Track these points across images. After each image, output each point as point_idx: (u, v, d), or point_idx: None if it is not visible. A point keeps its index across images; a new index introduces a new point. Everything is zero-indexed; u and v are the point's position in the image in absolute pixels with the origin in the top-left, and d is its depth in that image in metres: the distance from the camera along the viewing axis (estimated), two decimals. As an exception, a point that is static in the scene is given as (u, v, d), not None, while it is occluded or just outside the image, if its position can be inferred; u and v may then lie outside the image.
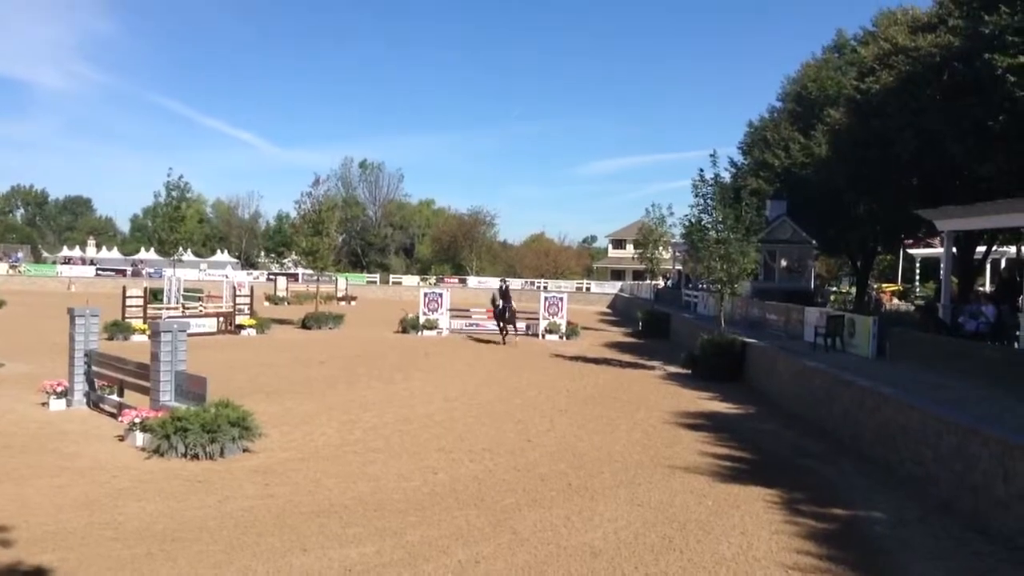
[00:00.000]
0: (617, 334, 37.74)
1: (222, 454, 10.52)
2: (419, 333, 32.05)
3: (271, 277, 68.10)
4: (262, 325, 30.79)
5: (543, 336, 32.08)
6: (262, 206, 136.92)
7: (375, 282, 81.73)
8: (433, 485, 9.75)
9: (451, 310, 34.08)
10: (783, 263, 36.68)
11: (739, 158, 44.68)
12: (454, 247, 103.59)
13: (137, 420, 11.18)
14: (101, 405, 13.88)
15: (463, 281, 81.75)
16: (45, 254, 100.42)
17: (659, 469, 10.84)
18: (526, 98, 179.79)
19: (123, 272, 74.66)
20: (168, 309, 29.63)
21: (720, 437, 13.28)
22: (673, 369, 22.51)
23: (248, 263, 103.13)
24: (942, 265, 24.53)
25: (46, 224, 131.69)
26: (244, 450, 10.88)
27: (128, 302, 27.92)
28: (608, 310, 62.94)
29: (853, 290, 41.84)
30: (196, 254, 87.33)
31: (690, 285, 41.60)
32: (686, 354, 22.40)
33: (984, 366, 14.41)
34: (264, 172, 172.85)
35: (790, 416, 15.64)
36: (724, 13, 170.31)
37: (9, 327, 28.15)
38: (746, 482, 10.20)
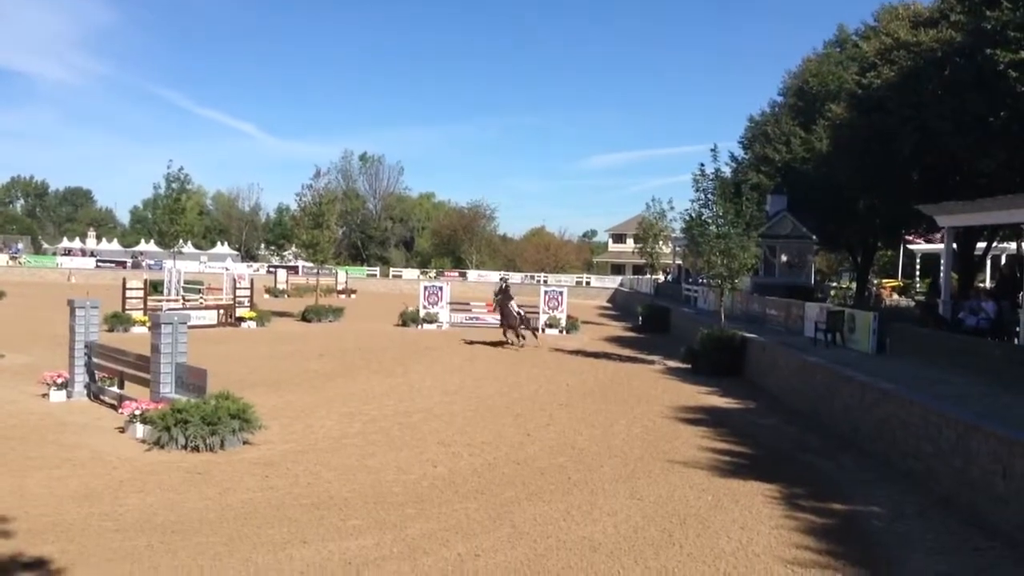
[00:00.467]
0: (617, 328, 37.75)
1: (222, 446, 10.53)
2: (419, 327, 32.06)
3: (271, 270, 68.19)
4: (262, 318, 30.82)
5: (543, 330, 32.07)
6: (262, 198, 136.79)
7: (375, 275, 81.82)
8: (433, 478, 9.77)
9: (451, 304, 34.08)
10: (783, 258, 36.65)
11: (740, 153, 44.63)
12: (454, 241, 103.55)
13: (137, 412, 11.19)
14: (101, 397, 13.89)
15: (463, 275, 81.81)
16: (45, 245, 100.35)
17: (659, 464, 10.85)
18: (527, 91, 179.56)
19: (123, 264, 74.66)
20: (168, 301, 29.62)
21: (720, 432, 13.29)
22: (673, 364, 22.52)
23: (248, 255, 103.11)
24: (942, 261, 24.51)
25: (46, 215, 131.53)
26: (244, 442, 10.90)
27: (128, 294, 27.96)
28: (608, 304, 62.94)
29: (853, 286, 41.85)
30: (196, 246, 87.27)
31: (690, 280, 41.58)
32: (686, 349, 22.39)
33: (984, 362, 14.42)
34: (264, 164, 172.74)
35: (790, 411, 15.65)
36: (725, 6, 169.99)
37: (9, 318, 28.16)
38: (746, 477, 10.21)
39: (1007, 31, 18.04)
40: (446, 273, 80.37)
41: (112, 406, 13.12)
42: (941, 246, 24.69)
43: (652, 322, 35.96)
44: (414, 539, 7.48)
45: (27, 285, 55.18)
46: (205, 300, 32.47)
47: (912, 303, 31.58)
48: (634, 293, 57.41)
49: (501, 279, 30.65)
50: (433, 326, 32.17)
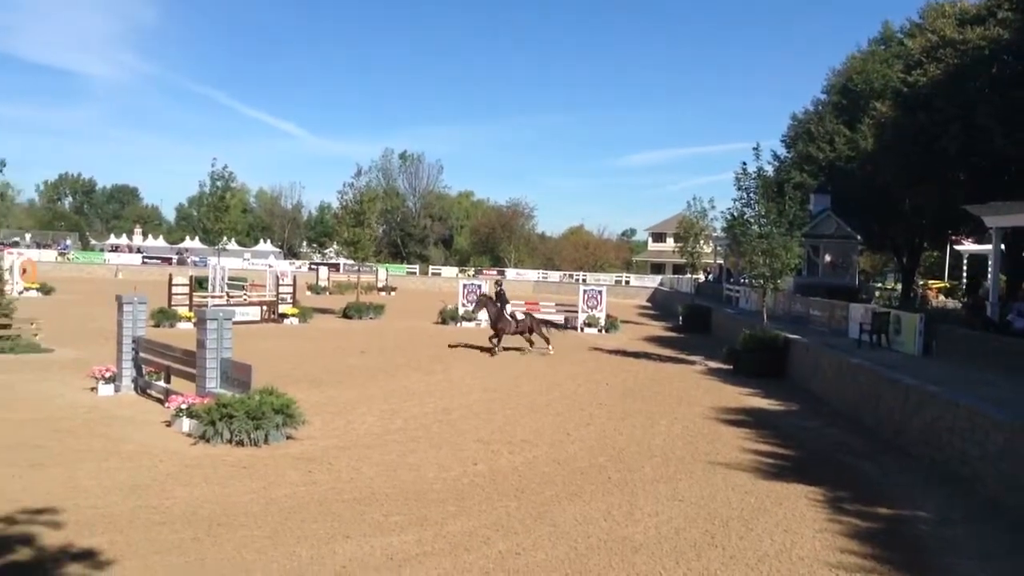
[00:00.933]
0: (657, 328, 37.56)
1: (266, 441, 10.68)
2: (458, 324, 32.17)
3: (313, 267, 68.82)
4: (304, 314, 31.15)
5: (582, 329, 32.03)
6: (304, 196, 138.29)
7: (414, 273, 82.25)
8: (473, 476, 9.81)
9: (490, 302, 34.10)
10: (827, 258, 36.25)
11: (782, 151, 44.18)
12: (492, 239, 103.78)
13: (183, 406, 11.38)
14: (148, 391, 14.14)
15: (502, 273, 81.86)
16: (93, 242, 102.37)
17: (700, 465, 10.79)
18: (566, 88, 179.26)
19: (169, 260, 75.93)
20: (213, 297, 30.08)
21: (762, 433, 13.18)
22: (714, 364, 22.36)
23: (291, 253, 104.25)
24: (990, 262, 24.04)
25: (94, 212, 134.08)
26: (287, 437, 11.04)
27: (174, 290, 28.38)
28: (647, 304, 62.63)
29: (898, 286, 41.23)
30: (240, 243, 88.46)
31: (732, 280, 41.26)
32: (727, 349, 22.23)
33: (1034, 365, 14.12)
34: (306, 162, 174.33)
35: (834, 413, 15.47)
36: (769, 2, 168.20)
37: (58, 313, 28.75)
38: (789, 479, 10.12)
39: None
40: (484, 271, 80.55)
41: (159, 400, 13.36)
42: (989, 247, 24.20)
43: (693, 322, 35.74)
44: (455, 536, 7.53)
45: (76, 281, 56.29)
46: (249, 297, 32.89)
47: (959, 305, 31.01)
48: (674, 293, 57.06)
49: (496, 282, 28.67)
50: (472, 324, 32.24)
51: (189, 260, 73.66)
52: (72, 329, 24.07)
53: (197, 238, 68.24)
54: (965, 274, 44.99)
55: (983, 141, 20.68)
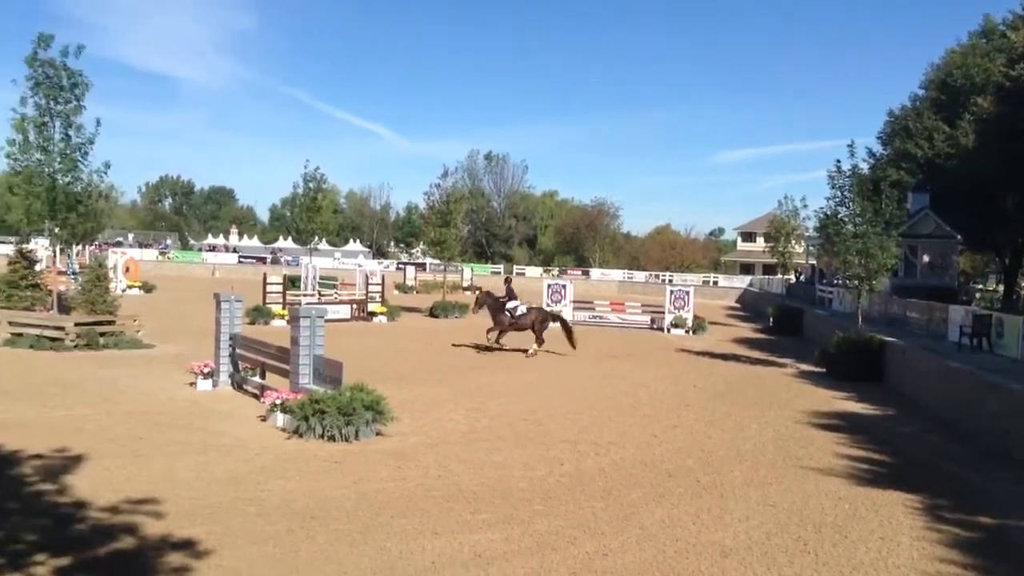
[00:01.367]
0: (746, 330, 36.89)
1: (357, 436, 10.88)
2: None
3: (400, 266, 69.86)
4: (392, 313, 31.67)
5: (668, 330, 31.67)
6: (392, 197, 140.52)
7: (499, 272, 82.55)
8: (559, 476, 9.80)
9: (574, 302, 34.06)
10: (925, 258, 35.06)
11: (878, 148, 42.88)
12: (577, 238, 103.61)
13: (278, 401, 11.67)
14: (244, 386, 14.57)
15: (586, 273, 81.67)
16: (191, 241, 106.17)
17: (792, 470, 10.55)
18: (651, 87, 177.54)
19: (263, 259, 78.12)
20: (305, 296, 30.84)
21: (857, 439, 12.80)
22: (806, 367, 21.84)
23: (379, 252, 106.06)
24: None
25: (192, 213, 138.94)
26: (377, 433, 11.23)
27: (268, 288, 29.20)
28: (736, 305, 61.54)
29: (1000, 288, 39.55)
30: (330, 243, 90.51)
31: (824, 280, 40.22)
32: (820, 352, 21.68)
33: None
34: (394, 164, 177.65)
35: (932, 419, 14.93)
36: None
37: (159, 311, 29.90)
38: (885, 486, 9.81)
39: None
40: (569, 271, 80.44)
41: (254, 395, 13.75)
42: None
43: (783, 324, 34.97)
44: (542, 535, 7.54)
45: (175, 279, 58.45)
46: (339, 295, 33.61)
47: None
48: (764, 293, 55.93)
49: (505, 279, 27.85)
50: (556, 324, 32.19)
51: (282, 259, 75.71)
52: (172, 326, 24.99)
53: (290, 238, 70.07)
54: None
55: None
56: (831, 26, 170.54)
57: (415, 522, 7.74)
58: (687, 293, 33.12)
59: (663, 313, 32.69)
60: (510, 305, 22.92)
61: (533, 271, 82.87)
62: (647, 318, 33.78)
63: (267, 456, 10.04)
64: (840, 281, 28.15)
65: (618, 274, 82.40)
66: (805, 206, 43.62)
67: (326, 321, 13.06)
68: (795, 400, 16.44)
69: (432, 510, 8.14)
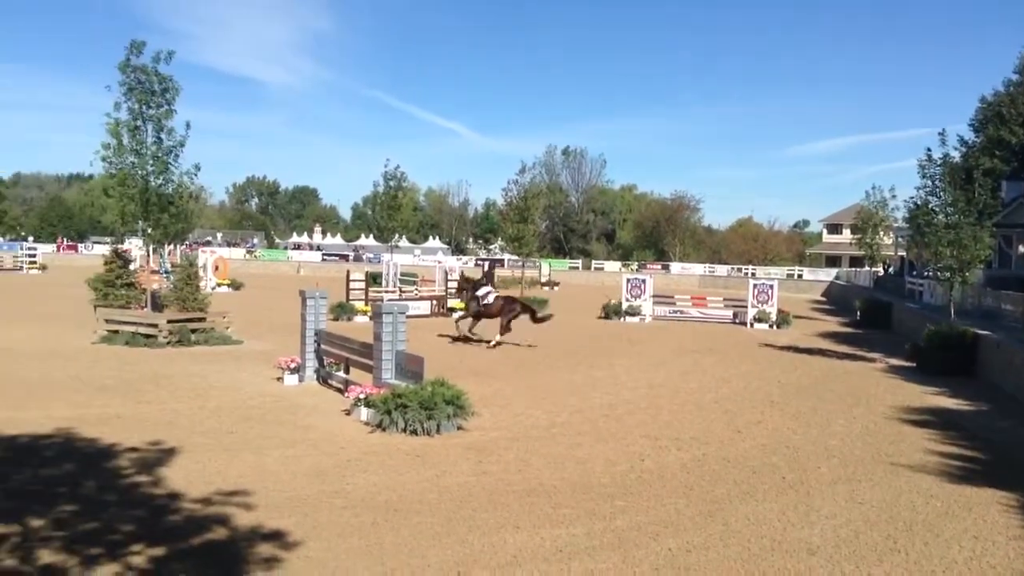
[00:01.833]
0: (832, 324, 35.97)
1: (438, 431, 11.00)
2: (622, 319, 31.99)
3: (479, 262, 70.36)
4: (471, 309, 31.84)
5: (752, 325, 31.10)
6: (470, 194, 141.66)
7: (577, 268, 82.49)
8: (640, 471, 9.73)
9: (654, 296, 33.74)
10: (1021, 249, 33.59)
11: (970, 136, 41.30)
12: (656, 232, 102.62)
13: (361, 396, 11.88)
14: (329, 381, 14.87)
15: (666, 267, 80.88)
16: (277, 240, 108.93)
17: (881, 466, 10.25)
18: (732, 78, 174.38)
19: (345, 257, 79.68)
20: (387, 292, 31.32)
21: (949, 435, 12.37)
22: (895, 362, 21.19)
23: (458, 249, 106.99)
24: None
25: (277, 212, 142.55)
26: (458, 428, 11.33)
27: (351, 285, 29.74)
28: (822, 298, 60.08)
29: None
30: (411, 240, 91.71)
31: (914, 272, 38.94)
32: (910, 346, 21.00)
33: None
34: (472, 161, 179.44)
35: (1031, 416, 14.32)
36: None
37: (247, 307, 30.74)
38: (979, 483, 9.45)
39: None
40: (648, 265, 79.74)
41: (339, 390, 14.01)
42: None
43: (871, 317, 33.98)
44: (624, 531, 7.49)
45: (262, 277, 60.05)
46: (419, 291, 34.02)
47: None
48: (851, 286, 54.43)
49: (487, 262, 26.81)
50: (636, 319, 31.98)
51: (364, 257, 77.10)
52: (260, 322, 25.68)
53: (371, 236, 71.34)
54: None
55: None
56: (918, 10, 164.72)
57: (496, 516, 7.79)
58: (771, 287, 32.42)
59: (746, 307, 32.10)
60: (480, 292, 22.50)
61: (612, 266, 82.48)
62: (729, 312, 33.24)
63: (351, 450, 10.23)
64: (931, 273, 27.21)
65: (699, 268, 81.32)
66: (894, 196, 42.43)
67: (407, 317, 13.24)
68: (884, 395, 15.96)
69: (513, 504, 8.18)
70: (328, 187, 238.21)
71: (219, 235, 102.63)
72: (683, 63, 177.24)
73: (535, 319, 23.12)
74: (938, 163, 20.75)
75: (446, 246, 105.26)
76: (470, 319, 22.52)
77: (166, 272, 33.00)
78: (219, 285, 42.07)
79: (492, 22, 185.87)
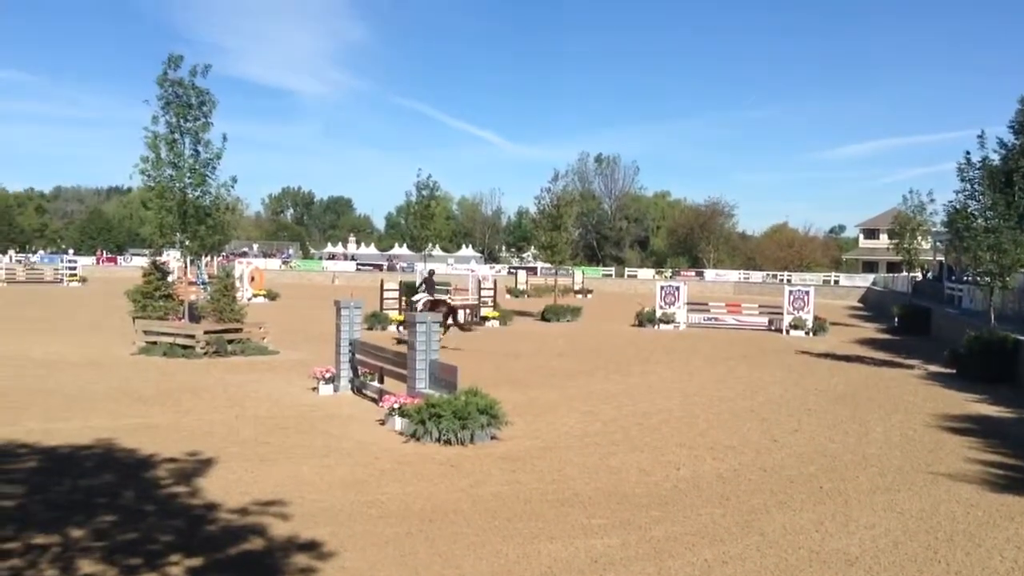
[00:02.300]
0: (869, 330, 35.52)
1: (472, 440, 11.01)
2: (656, 327, 31.84)
3: (512, 270, 70.46)
4: (505, 317, 31.92)
5: (787, 332, 30.79)
6: (503, 202, 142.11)
7: (610, 275, 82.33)
8: (675, 481, 9.66)
9: (688, 304, 33.56)
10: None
11: (1010, 138, 40.44)
12: (690, 239, 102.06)
13: (396, 406, 11.93)
14: (364, 390, 14.95)
15: (700, 274, 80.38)
16: (312, 250, 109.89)
17: (920, 475, 10.09)
18: (763, 83, 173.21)
19: (379, 267, 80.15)
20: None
21: (990, 443, 12.14)
22: (935, 368, 20.86)
23: (490, 257, 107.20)
24: None
25: (312, 223, 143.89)
26: (492, 437, 11.32)
27: (385, 295, 29.91)
28: (859, 304, 59.39)
29: None
30: (444, 249, 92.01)
31: (953, 277, 38.31)
32: (950, 352, 20.66)
33: None
34: (505, 169, 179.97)
35: (1076, 424, 14.01)
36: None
37: (282, 318, 31.03)
38: (1021, 492, 9.25)
39: None
40: (682, 272, 79.28)
41: (373, 400, 14.09)
42: None
43: (910, 323, 33.51)
44: (659, 541, 7.44)
45: (297, 287, 60.59)
46: (453, 300, 34.07)
47: None
48: (888, 292, 53.75)
49: (430, 272, 27.85)
50: (670, 326, 31.82)
51: (398, 266, 77.43)
52: (295, 332, 25.91)
53: (405, 245, 71.65)
54: None
55: None
56: (956, 11, 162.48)
57: (531, 526, 7.78)
58: (807, 293, 32.09)
59: (781, 314, 31.81)
60: (416, 297, 23.47)
61: (645, 273, 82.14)
62: (765, 319, 32.95)
63: (386, 459, 10.27)
64: (970, 278, 26.77)
65: (733, 275, 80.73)
66: (932, 200, 41.69)
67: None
68: (923, 403, 15.71)
69: (547, 514, 8.16)
70: (362, 197, 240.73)
71: (255, 246, 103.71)
72: (716, 68, 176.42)
73: (456, 324, 24.04)
74: (977, 166, 20.45)
75: (479, 255, 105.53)
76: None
77: (203, 283, 33.42)
78: (255, 296, 42.53)
79: (524, 30, 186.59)
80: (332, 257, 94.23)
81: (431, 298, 24.31)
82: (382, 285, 30.87)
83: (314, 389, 15.17)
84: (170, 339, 19.79)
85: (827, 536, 7.66)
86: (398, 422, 11.76)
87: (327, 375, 15.14)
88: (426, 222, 36.65)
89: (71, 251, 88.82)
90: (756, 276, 79.00)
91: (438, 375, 12.34)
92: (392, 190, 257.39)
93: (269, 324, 22.97)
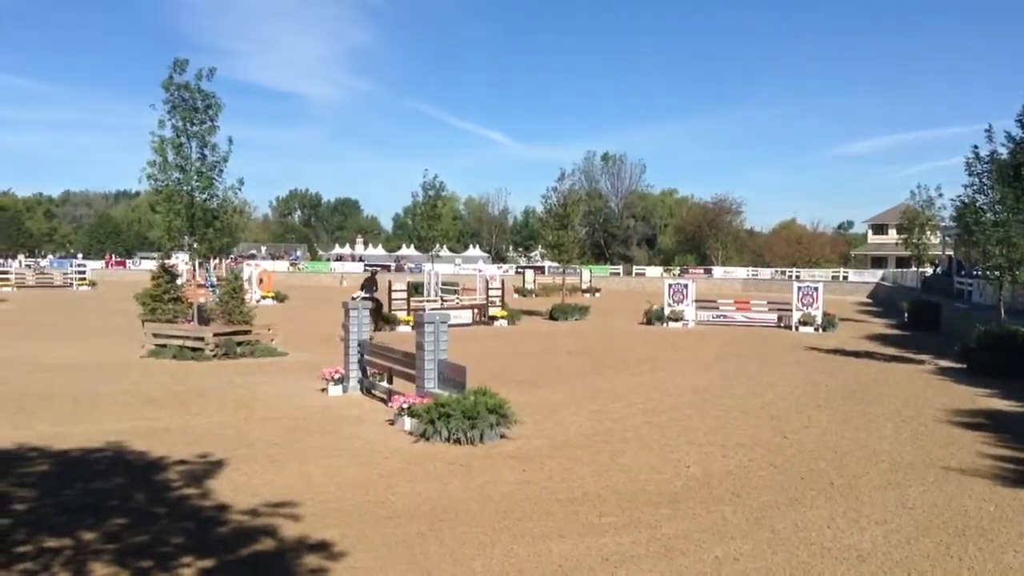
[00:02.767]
0: (879, 326, 35.39)
1: (481, 440, 11.00)
2: (664, 325, 31.79)
3: (519, 270, 70.44)
4: (512, 316, 31.92)
5: (796, 328, 30.70)
6: (510, 202, 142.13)
7: (618, 273, 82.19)
8: (686, 478, 9.64)
9: (697, 301, 33.48)
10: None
11: (1018, 132, 40.37)
12: (698, 237, 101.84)
13: (405, 406, 11.94)
14: (373, 391, 14.96)
15: (708, 271, 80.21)
16: (320, 252, 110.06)
17: (932, 471, 10.05)
18: (769, 80, 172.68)
19: (387, 267, 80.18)
20: (428, 302, 31.47)
21: (1002, 438, 12.08)
22: (945, 364, 20.77)
23: (498, 257, 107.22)
24: None
25: (320, 224, 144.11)
26: (501, 436, 11.32)
27: (393, 295, 29.94)
28: (868, 300, 59.15)
29: None
30: (451, 249, 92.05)
31: (963, 272, 38.16)
32: (960, 347, 20.57)
33: None
34: (511, 169, 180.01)
35: (1089, 417, 13.93)
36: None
37: (291, 319, 31.10)
38: (1035, 488, 9.22)
39: None
40: (690, 270, 79.13)
41: (382, 400, 14.11)
42: None
43: (919, 318, 33.34)
44: (669, 539, 7.42)
45: (305, 288, 60.66)
46: (461, 300, 34.13)
47: None
48: (898, 287, 53.56)
49: (372, 271, 29.54)
50: (678, 324, 31.76)
51: (406, 267, 77.57)
52: (304, 333, 25.95)
53: (412, 246, 71.70)
54: None
55: None
56: (963, 6, 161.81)
57: (541, 525, 7.77)
58: (816, 289, 31.97)
59: (790, 310, 31.71)
60: (355, 295, 24.36)
61: (653, 271, 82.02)
62: (774, 316, 32.87)
63: (395, 459, 10.27)
64: (980, 272, 26.67)
65: (742, 272, 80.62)
66: (940, 195, 41.67)
67: (449, 326, 13.28)
68: (934, 398, 15.65)
69: (557, 513, 8.15)
70: (369, 198, 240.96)
71: (263, 248, 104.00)
72: (722, 66, 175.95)
73: (379, 317, 26.44)
74: (985, 160, 20.40)
75: (486, 255, 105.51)
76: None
77: (212, 286, 33.47)
78: (264, 298, 42.62)
79: (528, 30, 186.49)
80: (340, 258, 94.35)
81: (362, 295, 25.66)
82: (390, 286, 30.88)
83: (323, 390, 15.20)
84: (179, 342, 19.84)
85: (838, 532, 7.63)
86: (407, 422, 11.77)
87: (336, 376, 15.16)
88: (433, 222, 36.65)
89: (80, 255, 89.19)
90: (765, 273, 78.81)
91: (447, 375, 12.34)
92: (399, 191, 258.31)
93: (278, 326, 23.01)
